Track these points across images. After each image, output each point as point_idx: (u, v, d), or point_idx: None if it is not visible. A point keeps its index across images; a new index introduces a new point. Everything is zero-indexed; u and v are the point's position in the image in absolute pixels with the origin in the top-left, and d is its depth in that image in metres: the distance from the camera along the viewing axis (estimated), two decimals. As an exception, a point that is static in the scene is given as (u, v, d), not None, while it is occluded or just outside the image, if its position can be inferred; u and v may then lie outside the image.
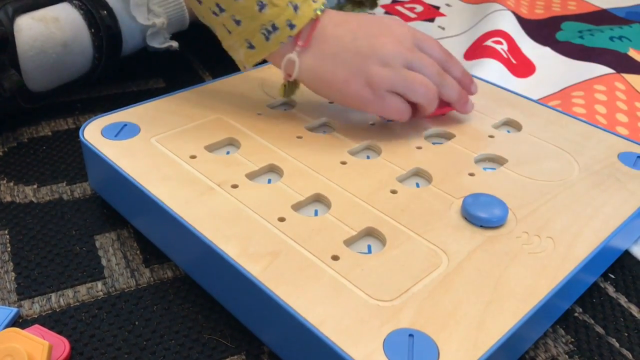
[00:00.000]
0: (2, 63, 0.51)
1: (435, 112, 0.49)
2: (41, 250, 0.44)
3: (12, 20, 0.52)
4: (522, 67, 0.71)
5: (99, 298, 0.40)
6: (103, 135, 0.46)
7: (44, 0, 0.56)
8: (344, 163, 0.45)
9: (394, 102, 0.46)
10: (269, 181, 0.44)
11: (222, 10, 0.45)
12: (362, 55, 0.45)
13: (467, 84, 0.51)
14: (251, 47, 0.46)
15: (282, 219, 0.39)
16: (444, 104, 0.50)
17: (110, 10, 0.58)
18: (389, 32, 0.47)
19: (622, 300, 0.42)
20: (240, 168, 0.44)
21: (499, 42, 0.74)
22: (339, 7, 0.83)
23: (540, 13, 0.87)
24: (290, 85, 0.49)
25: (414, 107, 0.48)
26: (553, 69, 0.71)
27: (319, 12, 0.45)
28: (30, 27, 0.54)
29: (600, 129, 0.51)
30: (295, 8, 0.44)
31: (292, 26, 0.44)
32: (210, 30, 0.73)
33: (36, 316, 0.39)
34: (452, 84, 0.49)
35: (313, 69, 0.46)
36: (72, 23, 0.56)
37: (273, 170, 0.45)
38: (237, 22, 0.45)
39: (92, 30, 0.57)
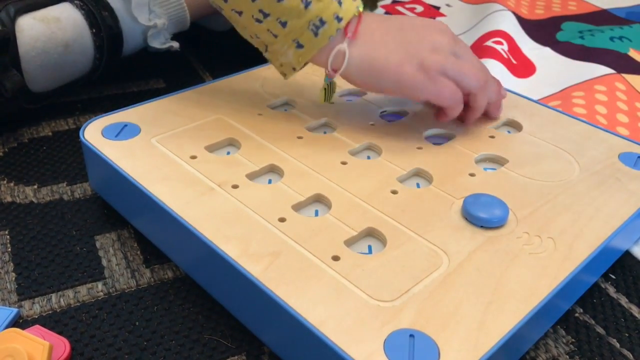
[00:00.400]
0: (4, 63, 0.51)
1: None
2: (41, 251, 0.44)
3: (14, 21, 0.52)
4: (522, 67, 0.71)
5: (99, 298, 0.40)
6: (103, 136, 0.46)
7: (45, 0, 0.56)
8: (344, 163, 0.45)
9: (448, 86, 0.46)
10: (270, 181, 0.44)
11: (266, 15, 0.44)
12: (412, 43, 0.46)
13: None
14: (299, 46, 0.45)
15: (282, 220, 0.39)
16: None
17: (111, 11, 0.58)
18: (432, 26, 0.48)
19: (623, 300, 0.42)
20: (240, 168, 0.44)
21: (500, 43, 0.74)
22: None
23: (540, 13, 0.87)
24: (330, 88, 0.50)
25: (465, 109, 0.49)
26: (553, 69, 0.71)
27: (360, 9, 0.46)
28: (31, 28, 0.54)
29: (601, 129, 0.51)
30: (340, 3, 0.44)
31: (339, 19, 0.44)
32: (211, 31, 0.74)
33: (36, 316, 0.39)
34: (494, 81, 0.50)
35: (363, 58, 0.46)
36: (73, 23, 0.56)
37: (273, 170, 0.45)
38: (283, 24, 0.44)
39: (94, 31, 0.57)
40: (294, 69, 0.47)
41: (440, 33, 0.48)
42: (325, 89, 0.49)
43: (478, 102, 0.48)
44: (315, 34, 0.44)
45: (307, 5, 0.43)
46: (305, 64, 0.47)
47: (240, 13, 0.45)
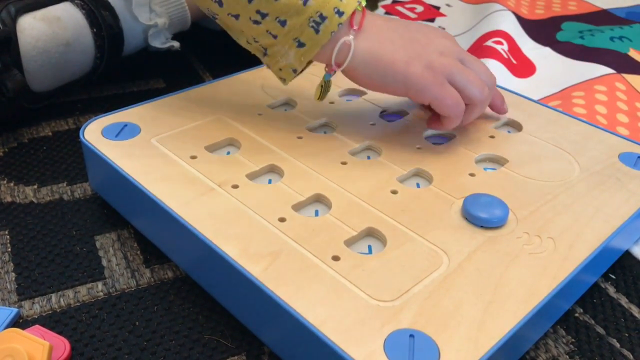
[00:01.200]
0: (5, 63, 0.51)
1: None
2: (41, 251, 0.44)
3: (15, 20, 0.52)
4: (522, 67, 0.71)
5: (99, 298, 0.40)
6: (103, 136, 0.46)
7: None
8: (344, 163, 0.45)
9: (453, 96, 0.45)
10: (270, 181, 0.44)
11: (264, 15, 0.43)
12: (420, 43, 0.46)
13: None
14: (301, 45, 0.44)
15: (282, 220, 0.39)
16: None
17: (112, 10, 0.58)
18: (437, 31, 0.48)
19: (623, 300, 0.42)
20: (240, 168, 0.44)
21: (500, 43, 0.74)
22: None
23: (540, 13, 0.87)
24: (326, 87, 0.48)
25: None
26: (553, 69, 0.71)
27: (363, 3, 0.44)
28: (32, 27, 0.54)
29: (601, 129, 0.51)
30: None
31: (340, 13, 0.43)
32: (211, 31, 0.73)
33: (36, 316, 0.39)
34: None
35: (370, 51, 0.44)
36: (74, 22, 0.56)
37: (273, 170, 0.45)
38: (283, 23, 0.43)
39: (94, 30, 0.57)
40: (295, 71, 0.46)
41: (446, 38, 0.48)
42: (322, 85, 0.48)
43: (473, 113, 0.47)
44: (317, 31, 0.43)
45: (305, 1, 0.42)
46: (308, 64, 0.46)
47: (237, 17, 0.44)
